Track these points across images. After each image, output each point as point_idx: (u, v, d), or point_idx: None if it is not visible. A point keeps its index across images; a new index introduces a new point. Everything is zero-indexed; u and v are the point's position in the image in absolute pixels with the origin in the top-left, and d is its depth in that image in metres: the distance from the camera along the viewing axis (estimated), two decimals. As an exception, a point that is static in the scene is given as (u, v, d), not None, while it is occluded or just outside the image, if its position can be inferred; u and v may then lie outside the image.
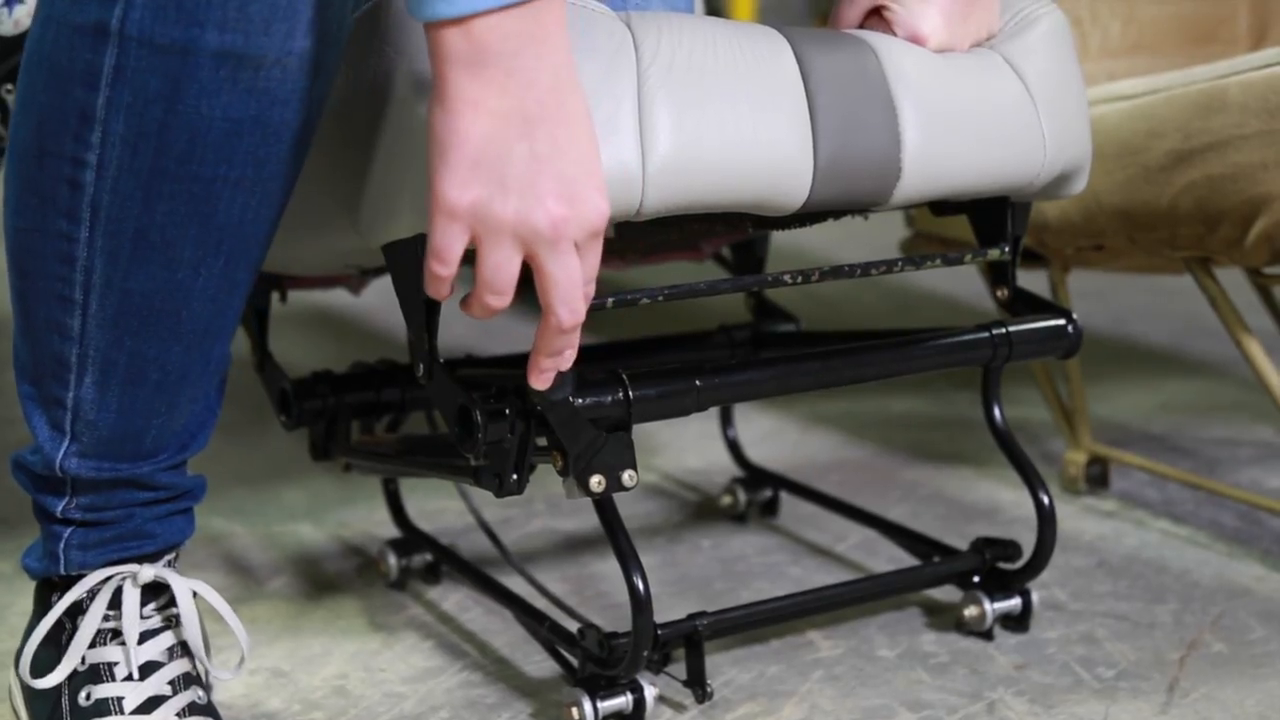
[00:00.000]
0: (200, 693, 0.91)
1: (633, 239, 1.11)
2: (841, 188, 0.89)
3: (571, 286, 0.76)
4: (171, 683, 0.90)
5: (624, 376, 0.89)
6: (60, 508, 0.89)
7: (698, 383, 0.92)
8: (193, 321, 0.84)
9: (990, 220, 1.03)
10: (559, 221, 0.74)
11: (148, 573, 0.90)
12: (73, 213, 0.80)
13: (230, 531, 1.36)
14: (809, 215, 0.97)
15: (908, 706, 0.99)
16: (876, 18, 0.96)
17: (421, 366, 0.90)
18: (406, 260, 0.89)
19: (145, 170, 0.78)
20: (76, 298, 0.82)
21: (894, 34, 0.94)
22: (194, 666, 0.92)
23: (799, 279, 0.95)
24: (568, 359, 0.82)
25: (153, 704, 0.89)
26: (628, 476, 0.89)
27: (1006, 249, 1.03)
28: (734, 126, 0.83)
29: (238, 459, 1.59)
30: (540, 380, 0.83)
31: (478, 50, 0.71)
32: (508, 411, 0.87)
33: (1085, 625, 1.11)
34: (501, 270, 0.76)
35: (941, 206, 1.04)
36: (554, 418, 0.86)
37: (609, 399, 0.88)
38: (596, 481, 0.88)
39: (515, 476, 0.89)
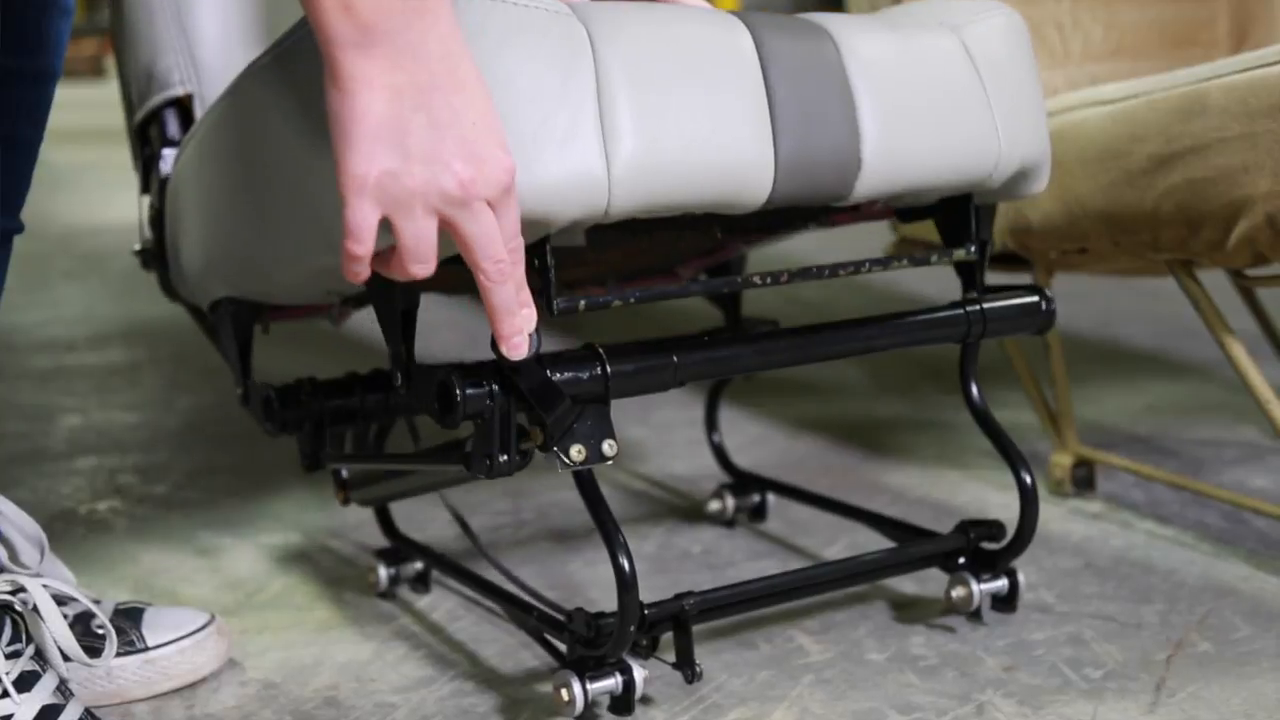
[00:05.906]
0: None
1: (605, 248, 1.12)
2: (803, 183, 0.90)
3: (490, 242, 0.78)
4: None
5: (601, 352, 0.90)
6: None
7: (675, 358, 0.92)
8: None
9: (957, 223, 1.04)
10: (467, 182, 0.76)
11: None
12: None
13: (219, 544, 1.36)
14: (776, 223, 0.98)
15: (898, 709, 0.99)
16: None
17: (399, 375, 0.91)
18: (382, 277, 0.90)
19: None
20: None
21: None
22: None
23: (769, 280, 0.96)
24: (528, 318, 0.83)
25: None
26: (608, 446, 0.90)
27: (973, 249, 1.04)
28: (694, 125, 0.84)
29: (226, 472, 1.59)
30: (512, 348, 0.83)
31: (363, 31, 0.73)
32: (485, 382, 0.87)
33: (1072, 626, 1.12)
34: (421, 240, 0.77)
35: (909, 212, 1.05)
36: (526, 383, 0.87)
37: (586, 374, 0.88)
38: (577, 451, 0.89)
39: (505, 457, 0.89)
